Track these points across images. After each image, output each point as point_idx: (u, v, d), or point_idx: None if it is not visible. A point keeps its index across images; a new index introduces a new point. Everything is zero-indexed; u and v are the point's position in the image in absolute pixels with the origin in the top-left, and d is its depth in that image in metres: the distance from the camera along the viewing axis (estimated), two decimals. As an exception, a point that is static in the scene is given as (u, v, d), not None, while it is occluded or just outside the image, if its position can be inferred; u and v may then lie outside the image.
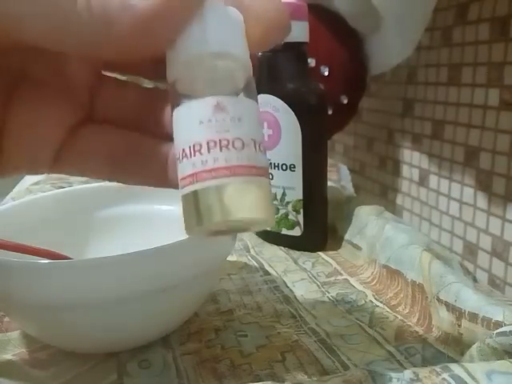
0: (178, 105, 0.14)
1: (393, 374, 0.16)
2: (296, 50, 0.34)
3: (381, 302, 0.28)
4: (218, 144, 0.13)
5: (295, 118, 0.33)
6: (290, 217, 0.35)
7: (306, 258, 0.34)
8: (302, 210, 0.34)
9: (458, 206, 0.63)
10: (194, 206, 0.14)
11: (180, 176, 0.14)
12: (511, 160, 0.50)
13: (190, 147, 0.13)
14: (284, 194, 0.35)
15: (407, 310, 0.27)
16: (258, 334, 0.25)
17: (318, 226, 0.35)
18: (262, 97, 0.35)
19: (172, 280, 0.21)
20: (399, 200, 0.75)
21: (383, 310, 0.27)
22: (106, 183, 0.32)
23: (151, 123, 0.16)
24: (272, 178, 0.35)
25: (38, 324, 0.22)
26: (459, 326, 0.22)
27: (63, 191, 0.30)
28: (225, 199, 0.13)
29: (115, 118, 0.17)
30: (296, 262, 0.34)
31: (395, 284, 0.29)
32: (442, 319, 0.24)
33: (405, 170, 0.74)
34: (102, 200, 0.30)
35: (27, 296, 0.19)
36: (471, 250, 0.62)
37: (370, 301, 0.28)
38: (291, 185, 0.34)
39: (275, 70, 0.35)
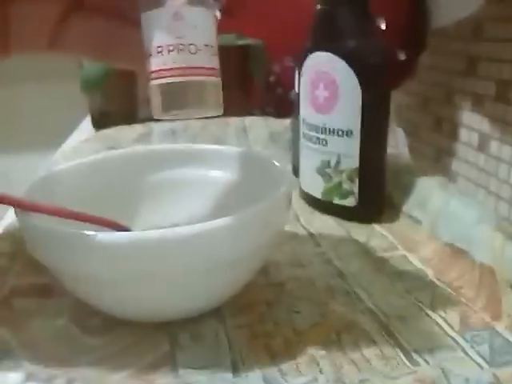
0: (145, 11, 0.17)
1: (469, 375, 0.15)
2: (358, 4, 0.31)
3: (443, 283, 0.26)
4: (175, 48, 0.17)
5: (356, 79, 0.30)
6: (344, 186, 0.33)
7: (359, 230, 0.32)
8: (357, 179, 0.32)
9: (520, 174, 0.58)
10: (158, 97, 0.18)
11: (148, 70, 0.18)
12: None
13: (154, 48, 0.17)
14: (338, 162, 0.33)
15: (473, 294, 0.25)
16: (311, 310, 0.24)
17: (373, 196, 0.33)
18: (318, 55, 0.32)
19: (235, 255, 0.20)
20: (455, 165, 0.71)
21: (445, 292, 0.25)
22: (156, 146, 0.32)
23: (131, 12, 0.19)
24: (326, 144, 0.33)
25: (95, 295, 0.21)
26: (537, 317, 0.20)
27: (112, 154, 0.29)
28: (181, 93, 0.17)
29: (101, 6, 0.20)
30: (349, 234, 0.32)
31: (459, 264, 0.27)
32: (515, 307, 0.22)
33: (463, 134, 0.69)
34: (153, 163, 0.29)
35: (91, 268, 0.19)
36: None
37: (431, 280, 0.27)
38: (347, 152, 0.32)
39: (334, 25, 0.32)
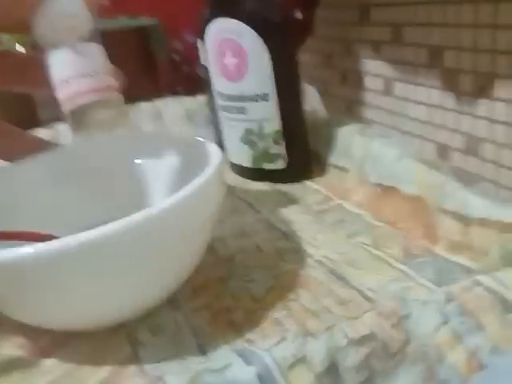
0: (47, 51, 0.21)
1: (425, 298, 0.15)
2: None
3: (380, 221, 0.27)
4: (78, 76, 0.21)
5: (261, 40, 0.30)
6: (271, 150, 0.33)
7: (293, 190, 0.33)
8: (282, 141, 0.33)
9: (426, 109, 0.62)
10: (71, 119, 0.22)
11: (60, 99, 0.21)
12: (476, 54, 0.49)
13: (63, 80, 0.21)
14: (261, 128, 0.33)
15: (408, 225, 0.26)
16: (264, 276, 0.24)
17: (301, 155, 0.34)
18: (220, 22, 0.31)
19: (176, 240, 0.19)
20: (366, 113, 0.74)
21: (384, 229, 0.27)
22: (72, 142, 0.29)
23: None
24: (245, 113, 0.33)
25: (37, 315, 0.20)
26: (469, 233, 0.22)
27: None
28: (90, 111, 0.21)
29: None
30: (285, 196, 0.32)
31: (391, 201, 0.28)
32: (449, 228, 0.23)
33: (368, 81, 0.72)
34: (70, 159, 0.27)
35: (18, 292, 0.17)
36: (444, 152, 0.63)
37: (369, 221, 0.28)
38: (267, 116, 0.32)
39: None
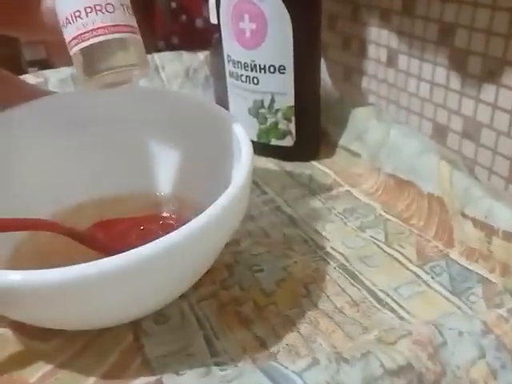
0: None
1: (462, 328, 0.15)
2: None
3: (392, 215, 0.27)
4: (93, 9, 0.17)
5: (284, 7, 0.28)
6: (281, 126, 0.31)
7: (300, 170, 0.32)
8: (293, 118, 0.31)
9: (429, 87, 0.61)
10: (82, 62, 0.17)
11: (67, 40, 0.18)
12: (489, 37, 0.47)
13: (71, 14, 0.17)
14: (273, 101, 0.31)
15: (422, 223, 0.25)
16: (273, 266, 0.23)
17: (311, 134, 0.32)
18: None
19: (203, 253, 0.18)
20: (364, 83, 0.72)
21: (396, 224, 0.26)
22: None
23: None
24: (257, 83, 0.31)
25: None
26: (489, 242, 0.21)
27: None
28: (106, 52, 0.17)
29: None
30: (292, 176, 0.31)
31: (406, 195, 0.27)
32: (467, 234, 0.23)
33: (371, 50, 0.70)
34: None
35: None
36: (441, 132, 0.62)
37: (380, 214, 0.27)
38: (281, 90, 0.30)
39: None
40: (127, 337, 0.20)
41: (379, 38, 0.67)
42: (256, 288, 0.22)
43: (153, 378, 0.17)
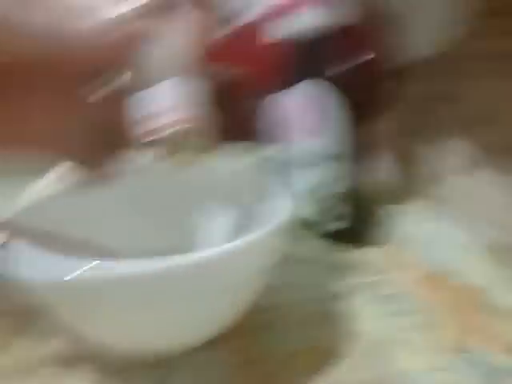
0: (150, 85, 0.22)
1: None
2: (338, 35, 0.32)
3: (431, 305, 0.26)
4: (177, 106, 0.22)
5: (343, 105, 0.31)
6: (336, 209, 0.34)
7: (351, 253, 0.33)
8: (348, 203, 0.33)
9: (507, 199, 0.59)
10: (164, 144, 0.22)
11: (156, 126, 0.22)
12: None
13: (154, 112, 0.22)
14: (330, 186, 0.33)
15: (461, 316, 0.25)
16: (303, 334, 0.24)
17: (365, 219, 0.34)
18: (306, 82, 0.33)
19: (237, 280, 0.20)
20: (442, 191, 0.71)
21: (434, 315, 0.26)
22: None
23: None
24: (317, 169, 0.34)
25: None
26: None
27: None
28: (182, 138, 0.22)
29: None
30: (341, 257, 0.32)
31: (446, 286, 0.27)
32: (503, 328, 0.22)
33: (450, 159, 0.70)
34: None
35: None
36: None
37: (420, 303, 0.27)
38: (337, 175, 0.33)
39: (316, 54, 0.33)
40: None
41: (457, 147, 0.68)
42: (282, 351, 0.23)
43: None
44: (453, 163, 0.70)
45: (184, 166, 0.23)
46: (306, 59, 0.33)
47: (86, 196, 0.27)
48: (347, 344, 0.23)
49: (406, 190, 0.38)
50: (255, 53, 0.55)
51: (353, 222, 0.33)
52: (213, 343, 0.23)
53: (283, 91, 0.36)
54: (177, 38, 0.23)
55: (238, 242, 0.19)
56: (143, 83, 0.22)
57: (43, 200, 0.26)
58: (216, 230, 0.27)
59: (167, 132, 0.22)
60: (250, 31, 0.61)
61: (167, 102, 0.22)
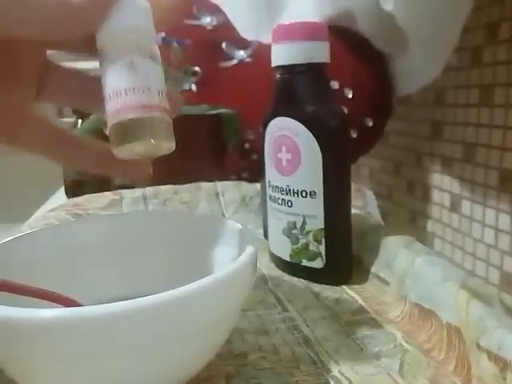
0: (104, 63, 0.20)
1: None
2: (315, 71, 0.33)
3: (412, 346, 0.25)
4: (131, 90, 0.19)
5: (315, 142, 0.31)
6: (311, 247, 0.33)
7: (328, 293, 0.31)
8: (323, 240, 0.32)
9: (494, 233, 0.59)
10: (118, 133, 0.20)
11: (107, 112, 0.20)
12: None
13: (113, 92, 0.20)
14: (304, 223, 0.32)
15: (442, 356, 0.23)
16: (273, 381, 0.23)
17: (341, 257, 0.33)
18: (280, 120, 0.33)
19: (194, 327, 0.19)
20: (430, 227, 0.72)
21: (415, 355, 0.24)
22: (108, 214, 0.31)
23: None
24: (291, 206, 0.33)
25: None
26: (504, 379, 0.19)
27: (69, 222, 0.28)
28: (137, 127, 0.19)
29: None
30: (317, 297, 0.31)
31: (428, 325, 0.25)
32: (483, 369, 0.20)
33: (435, 195, 0.70)
34: (108, 229, 0.28)
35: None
36: (509, 281, 0.58)
37: (400, 344, 0.25)
38: (312, 213, 0.32)
39: (294, 92, 0.33)
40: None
41: (442, 184, 0.68)
42: (249, 401, 0.21)
43: None
44: (434, 199, 0.70)
45: (139, 157, 0.21)
46: (283, 95, 0.33)
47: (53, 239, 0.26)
48: (319, 391, 0.22)
49: (385, 226, 0.37)
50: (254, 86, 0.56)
51: (328, 261, 0.32)
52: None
53: (261, 125, 0.35)
54: None
55: (197, 284, 0.18)
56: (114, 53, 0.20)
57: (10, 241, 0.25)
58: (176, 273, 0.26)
59: (127, 117, 0.19)
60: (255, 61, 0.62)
61: (131, 82, 0.20)
